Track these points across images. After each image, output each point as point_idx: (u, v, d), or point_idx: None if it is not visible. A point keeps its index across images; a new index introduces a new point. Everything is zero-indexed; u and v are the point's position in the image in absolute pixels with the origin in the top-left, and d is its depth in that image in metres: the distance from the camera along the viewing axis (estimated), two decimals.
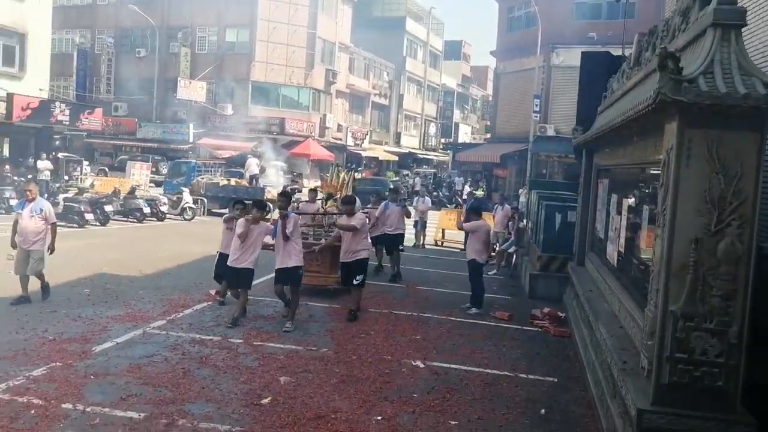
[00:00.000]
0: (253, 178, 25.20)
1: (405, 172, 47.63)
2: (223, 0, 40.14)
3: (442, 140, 60.38)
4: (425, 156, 59.39)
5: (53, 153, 26.24)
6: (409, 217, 14.14)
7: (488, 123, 48.08)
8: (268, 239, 9.00)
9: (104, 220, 18.49)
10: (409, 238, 17.21)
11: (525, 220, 15.93)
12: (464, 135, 63.74)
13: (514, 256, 15.28)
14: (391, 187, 18.71)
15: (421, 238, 18.75)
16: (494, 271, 14.82)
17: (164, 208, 20.80)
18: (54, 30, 30.58)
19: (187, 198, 21.63)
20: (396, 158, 53.07)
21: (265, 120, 39.58)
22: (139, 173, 27.84)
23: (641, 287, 6.02)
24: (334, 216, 11.22)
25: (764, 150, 4.54)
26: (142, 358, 7.06)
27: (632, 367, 5.30)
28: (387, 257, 13.43)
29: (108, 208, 18.77)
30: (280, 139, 38.04)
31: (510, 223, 15.75)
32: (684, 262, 4.58)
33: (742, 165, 4.49)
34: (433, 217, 20.80)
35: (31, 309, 8.77)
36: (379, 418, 5.91)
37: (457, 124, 62.82)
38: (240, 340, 8.02)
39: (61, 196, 18.89)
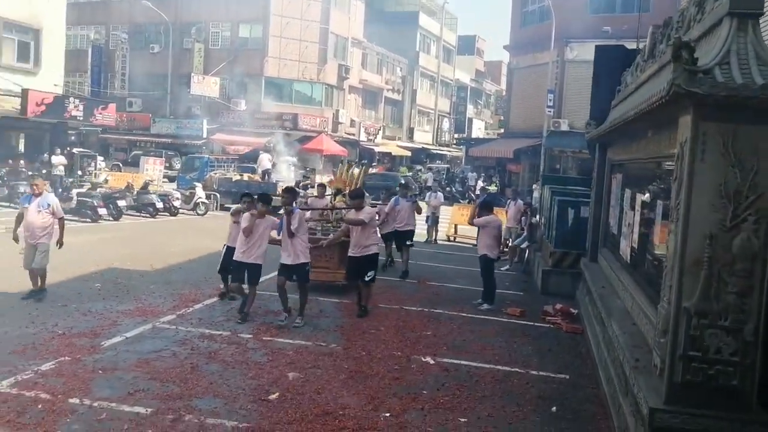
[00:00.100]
0: (265, 173, 25.28)
1: (418, 167, 47.52)
2: None
3: (456, 135, 60.02)
4: (438, 151, 59.13)
5: (68, 148, 26.41)
6: (419, 212, 13.97)
7: (502, 118, 47.74)
8: (275, 234, 8.92)
9: (117, 215, 18.56)
10: (421, 233, 17.13)
11: (538, 216, 15.79)
12: (477, 130, 63.46)
13: (527, 252, 15.16)
14: (402, 182, 18.59)
15: (434, 233, 18.67)
16: (507, 266, 14.74)
17: (177, 203, 20.89)
18: (69, 26, 30.81)
19: (200, 193, 21.69)
20: (409, 153, 52.92)
21: (278, 115, 39.65)
22: (152, 168, 27.94)
23: (654, 284, 5.89)
24: (342, 211, 11.07)
25: None
26: (150, 353, 7.06)
27: (645, 365, 5.19)
28: (397, 252, 13.35)
29: (121, 203, 18.85)
30: (293, 134, 38.10)
31: (523, 218, 15.64)
32: (698, 258, 4.46)
33: (758, 159, 4.33)
34: (446, 213, 20.72)
35: (42, 303, 8.81)
36: (388, 414, 5.85)
37: (470, 120, 62.54)
38: (249, 336, 8.01)
39: (74, 191, 18.98)
